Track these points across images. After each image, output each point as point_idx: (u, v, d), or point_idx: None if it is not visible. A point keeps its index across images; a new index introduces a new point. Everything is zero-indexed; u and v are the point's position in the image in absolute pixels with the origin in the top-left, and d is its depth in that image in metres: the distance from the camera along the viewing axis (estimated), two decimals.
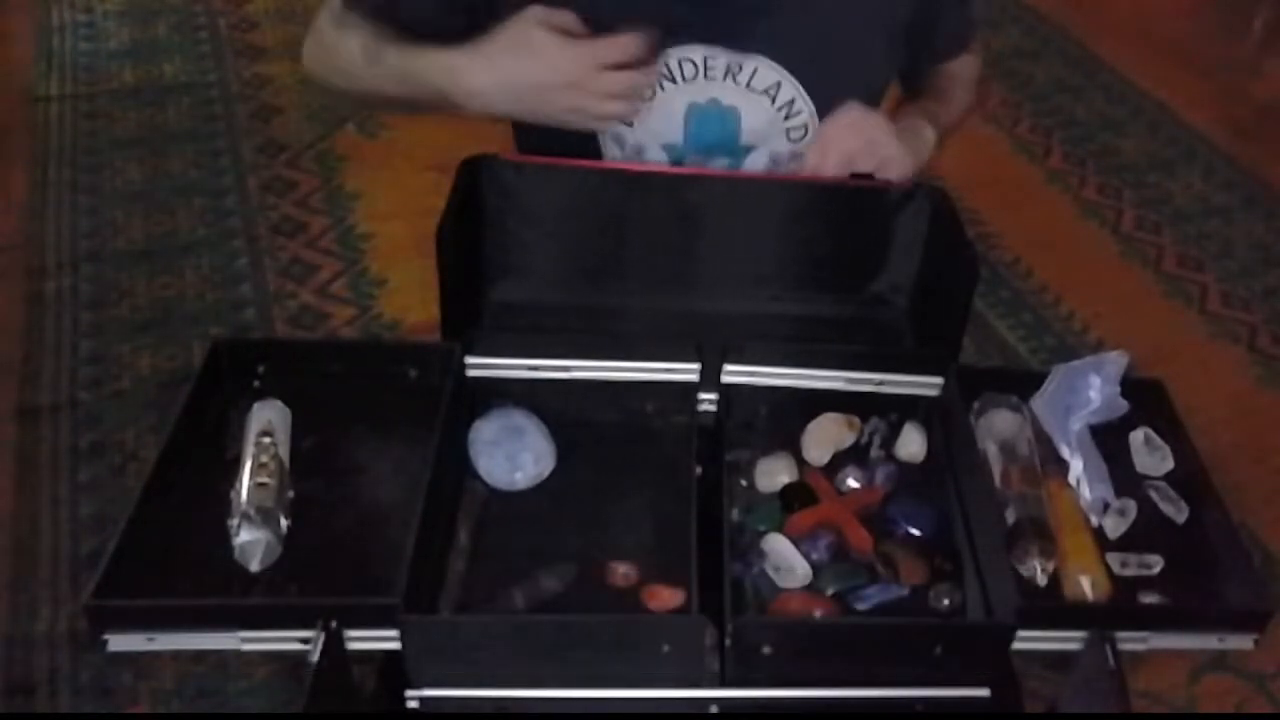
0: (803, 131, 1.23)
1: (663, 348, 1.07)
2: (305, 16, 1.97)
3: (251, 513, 0.90)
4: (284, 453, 0.97)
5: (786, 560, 0.97)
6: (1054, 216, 2.75)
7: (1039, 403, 1.05)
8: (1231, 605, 0.94)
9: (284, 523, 0.91)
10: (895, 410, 1.10)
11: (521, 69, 1.08)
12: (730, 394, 1.08)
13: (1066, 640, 0.90)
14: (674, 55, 1.17)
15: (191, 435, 0.99)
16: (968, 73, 1.36)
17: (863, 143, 1.12)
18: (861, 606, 0.95)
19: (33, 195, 2.60)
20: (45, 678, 1.63)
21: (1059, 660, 0.90)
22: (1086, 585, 0.91)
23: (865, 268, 1.20)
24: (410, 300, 2.32)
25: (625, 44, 1.07)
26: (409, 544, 0.87)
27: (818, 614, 0.94)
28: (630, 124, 1.20)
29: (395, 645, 0.85)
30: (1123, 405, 1.06)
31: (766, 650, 0.86)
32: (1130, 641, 0.89)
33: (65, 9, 3.31)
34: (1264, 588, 0.95)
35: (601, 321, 1.18)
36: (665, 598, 0.94)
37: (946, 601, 0.95)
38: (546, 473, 1.05)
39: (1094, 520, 0.98)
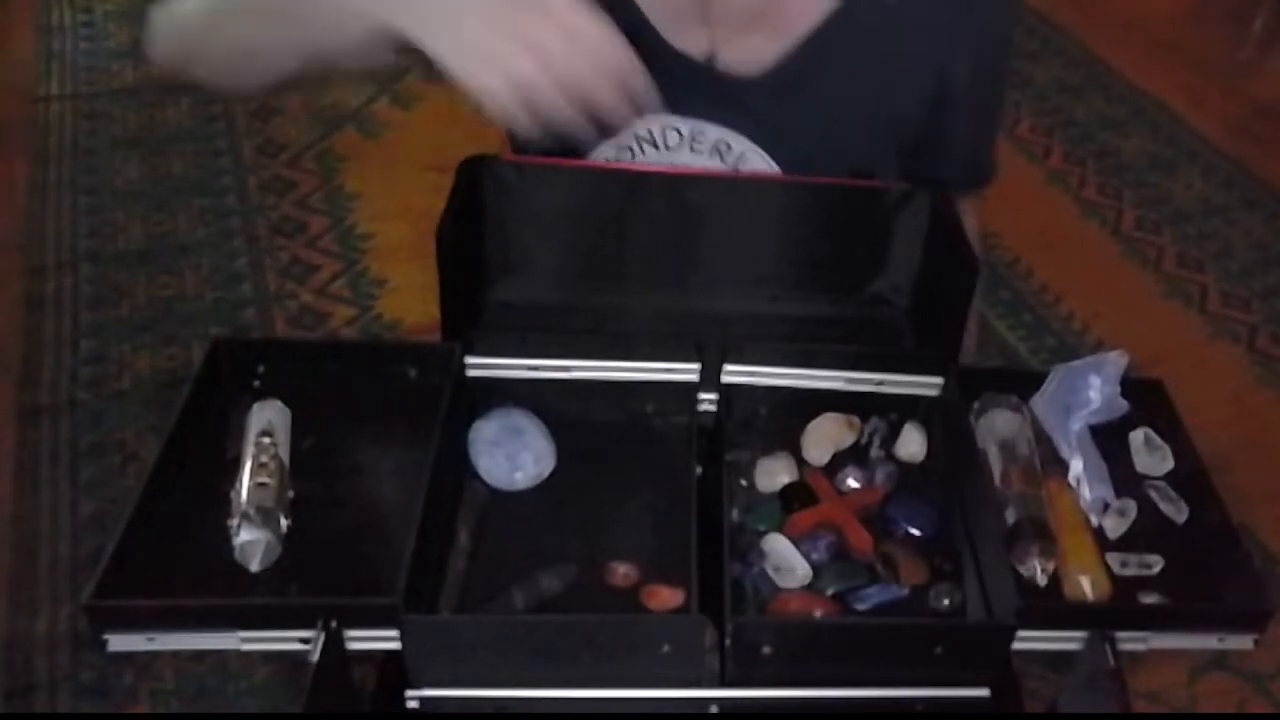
0: None
1: (663, 348, 1.07)
2: None
3: (251, 513, 0.89)
4: (284, 453, 0.96)
5: (786, 560, 0.97)
6: (1054, 217, 2.75)
7: (1039, 403, 1.05)
8: (1231, 605, 0.94)
9: (284, 523, 0.91)
10: (895, 410, 1.09)
11: None
12: (730, 394, 1.08)
13: (1066, 640, 0.89)
14: (658, 123, 1.15)
15: (191, 435, 0.99)
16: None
17: None
18: (861, 606, 0.95)
19: (33, 195, 2.60)
20: (45, 678, 1.63)
21: (1059, 660, 0.90)
22: (1086, 585, 0.91)
23: (865, 268, 1.20)
24: (410, 300, 2.32)
25: (630, 53, 0.90)
26: (409, 544, 0.87)
27: (818, 614, 0.93)
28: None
29: (395, 645, 0.85)
30: (1123, 405, 1.05)
31: (766, 650, 0.86)
32: (1130, 641, 0.89)
33: (65, 9, 3.31)
34: (1264, 588, 0.94)
35: (601, 321, 1.18)
36: (665, 598, 0.94)
37: (946, 601, 0.95)
38: (546, 473, 1.04)
39: (1094, 520, 0.98)
